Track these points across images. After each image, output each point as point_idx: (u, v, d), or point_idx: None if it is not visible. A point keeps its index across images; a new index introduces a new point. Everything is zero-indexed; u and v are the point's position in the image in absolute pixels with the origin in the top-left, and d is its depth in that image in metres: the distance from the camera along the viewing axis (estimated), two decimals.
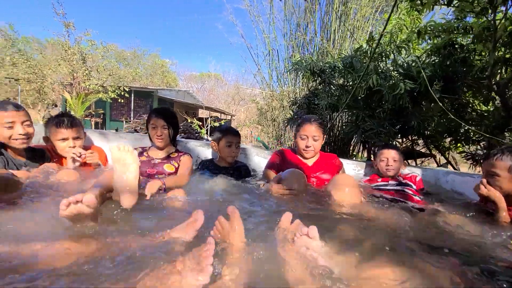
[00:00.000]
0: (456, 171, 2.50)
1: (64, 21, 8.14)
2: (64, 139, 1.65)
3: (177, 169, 1.78)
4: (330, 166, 1.82)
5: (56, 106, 12.65)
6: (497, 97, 2.54)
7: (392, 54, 2.86)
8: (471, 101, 2.88)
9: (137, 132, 5.81)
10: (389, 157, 1.82)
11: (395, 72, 2.80)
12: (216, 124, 12.65)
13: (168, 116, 1.80)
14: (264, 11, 6.73)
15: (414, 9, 2.11)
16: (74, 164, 1.61)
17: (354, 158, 4.96)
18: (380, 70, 2.70)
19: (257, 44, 7.02)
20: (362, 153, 5.02)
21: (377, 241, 0.88)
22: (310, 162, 1.83)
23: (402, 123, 2.92)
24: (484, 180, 1.26)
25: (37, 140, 1.81)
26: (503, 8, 1.92)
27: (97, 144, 2.12)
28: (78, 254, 0.69)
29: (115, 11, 61.39)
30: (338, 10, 5.33)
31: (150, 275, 0.60)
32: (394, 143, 3.35)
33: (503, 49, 2.23)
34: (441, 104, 2.15)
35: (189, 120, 10.38)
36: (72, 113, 8.54)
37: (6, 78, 9.94)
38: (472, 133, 3.01)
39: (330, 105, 3.61)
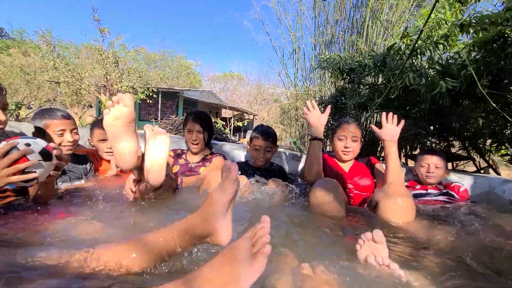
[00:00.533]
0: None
1: (99, 27, 8.66)
2: (104, 140, 1.73)
3: None
4: (366, 169, 1.74)
5: (91, 107, 13.52)
6: None
7: (428, 51, 2.70)
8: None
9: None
10: (430, 163, 1.71)
11: (432, 70, 2.65)
12: (239, 124, 12.78)
13: (203, 120, 1.83)
14: (290, 8, 6.68)
15: (457, 0, 1.97)
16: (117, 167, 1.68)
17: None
18: (415, 68, 2.57)
19: (283, 42, 6.98)
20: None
21: (444, 268, 0.81)
22: (346, 168, 1.75)
23: (440, 123, 2.75)
24: None
25: (83, 142, 1.94)
26: None
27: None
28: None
29: (144, 15, 64.19)
30: (371, 5, 5.14)
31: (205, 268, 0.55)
32: (432, 145, 3.17)
33: None
34: (492, 102, 1.99)
35: (213, 120, 10.59)
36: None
37: (47, 81, 10.80)
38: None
39: (360, 104, 3.50)
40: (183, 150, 1.95)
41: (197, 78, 26.72)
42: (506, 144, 3.04)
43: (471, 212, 1.29)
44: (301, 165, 2.05)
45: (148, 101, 10.27)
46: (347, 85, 3.92)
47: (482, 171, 3.88)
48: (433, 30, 2.54)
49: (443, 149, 3.64)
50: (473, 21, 2.05)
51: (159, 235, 0.68)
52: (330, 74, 3.73)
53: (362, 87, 3.72)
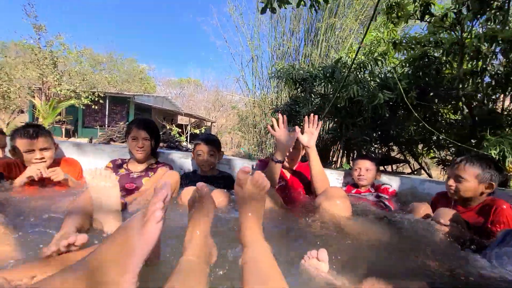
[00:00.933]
0: (432, 179, 2.63)
1: (35, 24, 7.68)
2: (30, 151, 1.51)
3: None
4: (306, 170, 1.83)
5: (22, 112, 11.80)
6: (464, 107, 2.75)
7: (369, 65, 3.01)
8: (441, 110, 3.09)
9: (113, 140, 5.55)
10: (362, 167, 1.85)
11: (373, 83, 2.95)
12: (197, 131, 12.47)
13: (150, 127, 1.74)
14: (249, 17, 6.86)
15: (390, 21, 2.24)
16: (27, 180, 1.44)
17: (333, 165, 5.10)
18: (359, 81, 2.83)
19: (241, 49, 7.11)
20: (341, 159, 5.18)
21: (373, 258, 0.90)
22: (287, 174, 1.84)
23: (381, 131, 3.06)
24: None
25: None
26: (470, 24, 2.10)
27: (73, 157, 1.99)
28: None
29: (91, 15, 59.07)
30: (325, 20, 5.52)
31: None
32: (375, 150, 3.47)
33: (470, 62, 2.43)
34: (416, 114, 2.28)
35: (168, 127, 10.12)
36: (41, 119, 8.00)
37: None
38: (442, 140, 3.22)
39: (312, 112, 3.71)
40: (124, 159, 1.81)
41: (151, 84, 25.34)
42: (434, 148, 3.51)
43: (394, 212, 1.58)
44: None
45: (93, 106, 9.39)
46: (300, 94, 4.13)
47: (415, 172, 4.41)
48: (373, 47, 2.84)
49: (381, 154, 4.04)
50: (404, 41, 2.34)
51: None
52: (284, 83, 3.90)
53: (313, 96, 3.96)
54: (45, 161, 1.53)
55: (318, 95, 3.83)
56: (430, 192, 1.97)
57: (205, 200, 0.75)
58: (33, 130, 1.54)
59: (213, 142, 1.84)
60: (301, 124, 4.67)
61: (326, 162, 5.08)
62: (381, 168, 2.49)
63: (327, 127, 5.16)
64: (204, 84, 28.81)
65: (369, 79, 3.13)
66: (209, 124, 19.65)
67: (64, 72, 8.94)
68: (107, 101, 12.47)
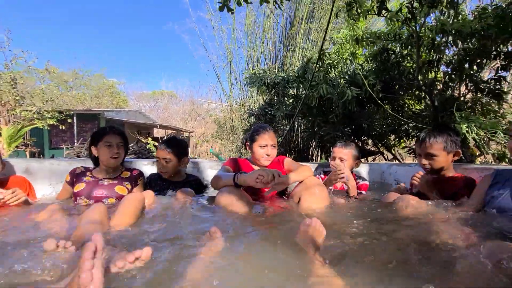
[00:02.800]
0: (397, 162, 2.79)
1: None
2: None
3: (130, 190, 1.64)
4: (279, 166, 1.79)
5: None
6: (426, 96, 2.92)
7: (339, 65, 3.12)
8: (406, 102, 3.26)
9: (79, 157, 5.25)
10: (337, 155, 1.81)
11: (342, 80, 3.05)
12: None
13: (123, 133, 1.69)
14: (225, 21, 6.86)
15: (351, 18, 2.33)
16: None
17: (312, 162, 5.20)
18: (329, 79, 2.91)
19: (220, 54, 7.09)
20: (320, 156, 5.30)
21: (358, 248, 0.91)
22: None
23: (353, 126, 3.16)
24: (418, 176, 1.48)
25: None
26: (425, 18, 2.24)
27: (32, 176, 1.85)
28: None
29: (53, 31, 56.12)
30: (302, 26, 5.66)
31: None
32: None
33: (427, 52, 2.59)
34: (383, 105, 2.38)
35: (144, 141, 9.77)
36: (3, 146, 7.38)
37: None
38: (411, 130, 3.39)
39: (286, 115, 3.76)
40: (88, 167, 1.70)
41: (122, 98, 24.37)
42: (404, 138, 3.69)
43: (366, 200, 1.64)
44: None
45: (60, 126, 8.84)
46: (274, 97, 4.20)
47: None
48: (342, 47, 2.94)
49: (359, 147, 4.16)
50: (365, 36, 2.45)
51: None
52: (256, 88, 3.92)
53: (286, 98, 4.03)
54: None
55: (291, 97, 3.90)
56: (397, 174, 2.10)
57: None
58: None
59: (171, 145, 1.73)
60: (277, 126, 4.68)
61: (307, 160, 5.16)
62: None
63: (303, 126, 5.27)
64: (178, 94, 28.37)
65: (338, 77, 3.24)
66: (187, 134, 19.30)
67: (25, 93, 8.36)
68: (75, 119, 11.83)
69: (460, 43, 2.37)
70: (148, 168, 2.07)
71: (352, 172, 1.93)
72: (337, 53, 3.23)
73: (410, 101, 3.29)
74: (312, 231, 0.87)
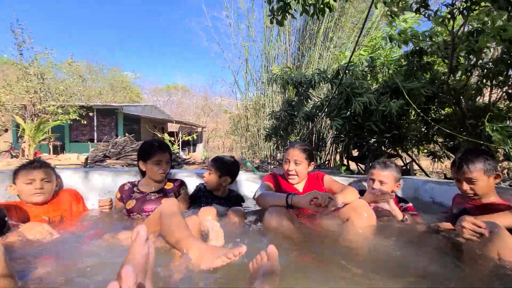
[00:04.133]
0: (434, 179, 2.68)
1: (18, 42, 7.47)
2: (30, 181, 1.47)
3: None
4: (319, 185, 1.77)
5: (6, 131, 11.38)
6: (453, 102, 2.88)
7: (379, 73, 3.10)
8: (432, 107, 3.21)
9: (107, 157, 5.44)
10: (377, 178, 1.67)
11: (378, 87, 3.04)
12: (188, 138, 12.37)
13: (169, 149, 1.76)
14: (242, 19, 6.88)
15: (389, 12, 2.28)
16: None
17: (327, 164, 5.21)
18: (368, 88, 2.90)
19: (235, 52, 7.12)
20: (334, 158, 5.29)
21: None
22: (300, 187, 1.76)
23: (392, 134, 3.15)
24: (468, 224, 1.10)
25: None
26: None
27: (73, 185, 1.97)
28: None
29: (72, 25, 57.50)
30: (323, 24, 5.57)
31: None
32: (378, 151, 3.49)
33: (461, 57, 2.53)
34: (426, 117, 2.35)
35: (159, 135, 9.99)
36: (26, 138, 7.76)
37: None
38: (430, 135, 3.36)
39: (308, 116, 3.77)
40: (133, 182, 1.80)
41: (134, 92, 24.67)
42: (424, 143, 3.66)
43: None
44: (255, 187, 2.07)
45: (82, 121, 9.17)
46: (294, 97, 4.19)
47: (408, 166, 4.56)
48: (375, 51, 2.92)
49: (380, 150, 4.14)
50: (398, 35, 2.43)
51: None
52: (280, 86, 3.91)
53: (309, 100, 4.02)
54: (44, 193, 1.51)
55: (318, 99, 3.87)
56: (433, 192, 1.99)
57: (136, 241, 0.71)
58: (37, 162, 1.57)
59: (215, 161, 1.83)
60: (297, 126, 4.64)
61: (320, 159, 5.18)
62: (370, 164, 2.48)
63: (321, 128, 5.27)
64: (192, 89, 28.65)
65: (374, 84, 3.20)
66: (199, 130, 19.55)
67: (50, 88, 8.70)
68: (95, 113, 12.21)
69: (500, 48, 2.32)
70: (189, 180, 2.09)
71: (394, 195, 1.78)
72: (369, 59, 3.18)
73: (438, 107, 3.24)
74: (266, 265, 0.80)
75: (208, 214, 1.33)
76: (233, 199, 1.89)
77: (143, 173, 1.77)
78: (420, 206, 1.77)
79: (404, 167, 4.48)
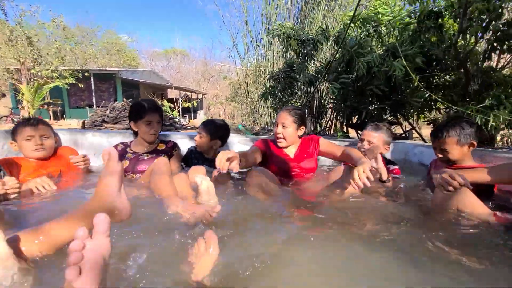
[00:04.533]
0: (423, 143, 2.72)
1: None
2: (30, 137, 1.55)
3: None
4: (312, 150, 1.74)
5: (4, 96, 11.25)
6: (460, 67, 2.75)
7: (384, 34, 2.92)
8: (438, 73, 3.09)
9: (106, 122, 5.44)
10: (367, 138, 1.73)
11: (383, 50, 2.88)
12: (188, 104, 12.24)
13: (160, 109, 1.76)
14: None
15: None
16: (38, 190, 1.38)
17: (327, 130, 5.20)
18: (370, 48, 2.76)
19: (233, 13, 6.68)
20: (334, 124, 5.26)
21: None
22: (291, 153, 1.73)
23: (393, 101, 3.06)
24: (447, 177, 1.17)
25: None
26: None
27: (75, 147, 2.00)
28: None
29: None
30: None
31: None
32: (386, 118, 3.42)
33: (474, 17, 2.37)
34: (421, 85, 2.27)
35: (159, 102, 9.88)
36: (25, 103, 7.69)
37: None
38: (432, 102, 3.28)
39: (308, 80, 3.65)
40: (125, 142, 1.82)
41: (131, 56, 23.61)
42: (425, 111, 3.58)
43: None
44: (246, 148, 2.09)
45: (79, 85, 8.99)
46: (297, 59, 3.99)
47: (407, 133, 4.55)
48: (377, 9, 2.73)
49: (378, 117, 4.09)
50: None
51: (62, 223, 0.75)
52: (281, 43, 3.69)
53: (311, 62, 3.85)
54: (44, 149, 1.59)
55: (325, 64, 3.70)
56: (423, 155, 2.06)
57: (111, 160, 0.81)
58: (33, 119, 1.63)
59: (205, 125, 1.88)
60: (297, 91, 4.52)
61: (321, 126, 5.17)
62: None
63: (320, 94, 5.15)
64: (191, 54, 27.57)
65: (376, 46, 3.03)
66: (200, 96, 19.22)
67: (41, 50, 8.37)
68: (92, 78, 11.93)
69: None
70: (182, 142, 2.12)
71: (382, 156, 1.80)
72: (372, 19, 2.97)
73: (442, 72, 3.11)
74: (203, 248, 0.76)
75: (197, 173, 1.37)
76: None
77: (135, 134, 1.78)
78: (409, 169, 1.83)
79: (403, 135, 4.49)
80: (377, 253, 0.88)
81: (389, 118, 4.42)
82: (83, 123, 5.50)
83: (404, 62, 2.30)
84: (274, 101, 4.39)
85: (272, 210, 1.19)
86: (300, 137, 1.74)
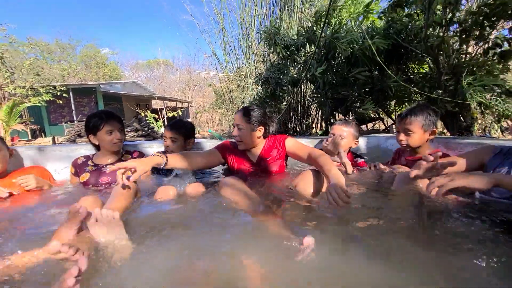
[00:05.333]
0: (394, 135, 2.75)
1: None
2: None
3: (133, 173, 1.66)
4: (276, 152, 1.63)
5: None
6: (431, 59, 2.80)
7: (351, 23, 2.93)
8: (412, 65, 3.14)
9: (80, 136, 5.26)
10: (336, 132, 1.74)
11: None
12: (173, 114, 12.05)
13: (119, 117, 1.69)
14: None
15: None
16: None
17: (312, 130, 5.20)
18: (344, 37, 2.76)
19: (210, 21, 6.66)
20: (320, 124, 5.27)
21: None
22: (254, 157, 1.63)
23: (370, 89, 3.07)
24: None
25: None
26: None
27: (36, 163, 1.89)
28: None
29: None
30: None
31: None
32: (356, 109, 3.42)
33: (439, 11, 2.41)
34: (388, 71, 2.29)
35: (142, 114, 9.68)
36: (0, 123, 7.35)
37: None
38: (413, 95, 3.32)
39: (292, 81, 3.65)
40: (87, 155, 1.73)
41: (110, 67, 23.05)
42: (406, 104, 3.62)
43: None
44: None
45: (58, 101, 8.69)
46: (281, 61, 3.97)
47: (388, 128, 4.61)
48: (354, 6, 2.74)
49: (361, 114, 4.10)
50: None
51: None
52: (269, 47, 3.68)
53: (295, 63, 3.85)
54: None
55: (303, 56, 3.71)
56: (395, 147, 2.03)
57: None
58: None
59: (177, 128, 1.76)
60: (284, 94, 4.49)
61: (307, 128, 5.16)
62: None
63: (305, 93, 5.16)
64: (174, 63, 27.38)
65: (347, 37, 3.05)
66: (186, 105, 19.04)
67: (15, 68, 8.07)
68: (71, 94, 11.60)
69: None
70: (151, 151, 2.03)
71: (350, 151, 1.87)
72: (347, 10, 2.98)
73: (416, 65, 3.16)
74: None
75: (166, 194, 1.27)
76: None
77: (97, 148, 1.69)
78: (382, 161, 1.86)
79: (386, 130, 4.53)
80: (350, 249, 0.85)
81: (372, 115, 4.48)
82: (53, 139, 5.30)
83: (370, 42, 2.31)
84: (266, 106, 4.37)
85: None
86: (264, 137, 1.64)
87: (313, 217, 1.08)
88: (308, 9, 5.53)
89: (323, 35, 2.79)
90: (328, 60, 3.13)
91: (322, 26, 2.66)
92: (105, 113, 1.64)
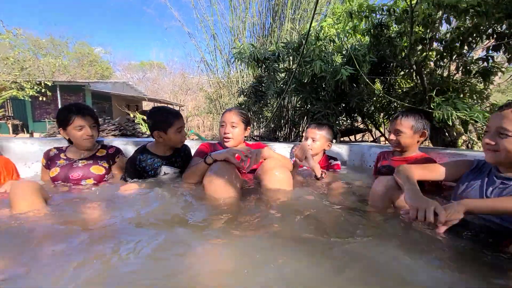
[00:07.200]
0: (377, 144, 2.82)
1: None
2: None
3: (107, 169, 1.59)
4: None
5: None
6: (415, 75, 2.88)
7: (338, 38, 2.99)
8: (398, 80, 3.22)
9: (53, 136, 5.08)
10: (309, 136, 1.81)
11: (339, 56, 2.95)
12: None
13: (93, 112, 1.59)
14: None
15: None
16: None
17: (300, 139, 5.22)
18: (323, 55, 2.81)
19: (200, 27, 6.68)
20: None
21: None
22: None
23: (344, 103, 3.13)
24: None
25: None
26: None
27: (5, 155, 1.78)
28: None
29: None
30: None
31: None
32: (339, 122, 3.54)
33: (420, 29, 2.50)
34: (371, 84, 2.34)
35: (131, 115, 9.50)
36: None
37: None
38: (399, 108, 3.39)
39: (277, 92, 3.67)
40: (60, 147, 1.65)
41: (103, 66, 22.60)
42: (393, 116, 3.70)
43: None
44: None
45: (41, 98, 8.41)
46: (264, 73, 4.02)
47: (376, 140, 4.69)
48: (342, 21, 2.80)
49: (349, 125, 4.15)
50: (358, 10, 2.34)
51: None
52: (246, 65, 3.71)
53: (278, 74, 3.89)
54: None
55: (284, 70, 3.75)
56: (376, 156, 2.12)
57: None
58: None
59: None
60: (268, 103, 4.56)
61: (296, 139, 5.19)
62: (342, 138, 2.52)
63: (294, 103, 5.20)
64: (168, 66, 27.24)
65: (333, 53, 3.12)
66: (177, 108, 18.87)
67: None
68: (58, 90, 11.30)
69: (454, 20, 2.30)
70: (129, 148, 1.97)
71: (324, 153, 1.94)
72: (336, 27, 3.07)
73: (402, 80, 3.25)
74: None
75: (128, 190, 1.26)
76: (185, 153, 1.75)
77: (70, 142, 1.61)
78: (366, 169, 1.93)
79: (374, 141, 4.61)
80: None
81: (361, 126, 4.55)
82: (31, 133, 5.11)
83: (356, 64, 2.36)
84: (249, 113, 4.40)
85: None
86: (245, 141, 1.74)
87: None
88: (299, 20, 5.63)
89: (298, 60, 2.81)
90: (296, 79, 3.18)
91: (301, 50, 2.70)
92: (77, 107, 1.54)
